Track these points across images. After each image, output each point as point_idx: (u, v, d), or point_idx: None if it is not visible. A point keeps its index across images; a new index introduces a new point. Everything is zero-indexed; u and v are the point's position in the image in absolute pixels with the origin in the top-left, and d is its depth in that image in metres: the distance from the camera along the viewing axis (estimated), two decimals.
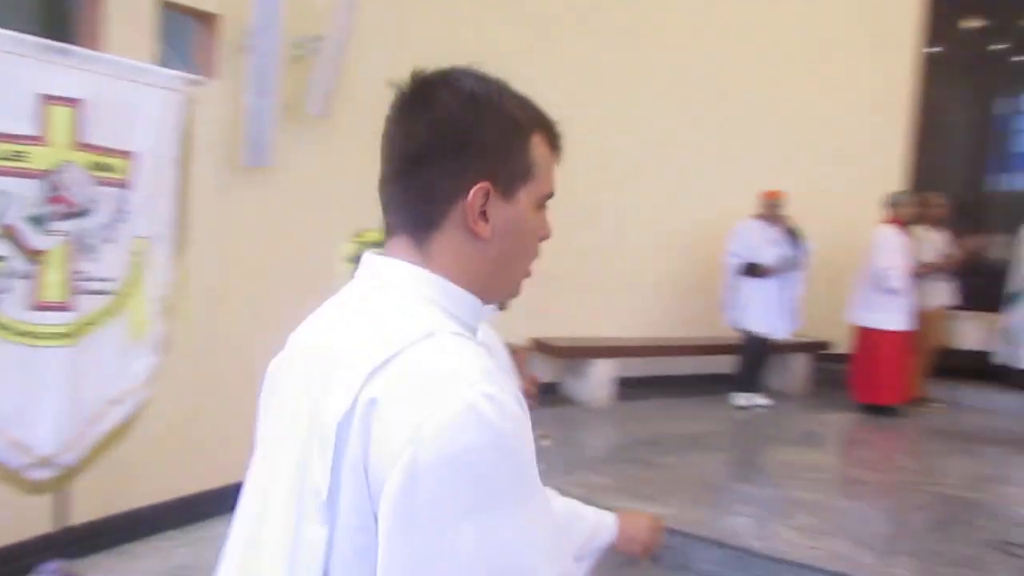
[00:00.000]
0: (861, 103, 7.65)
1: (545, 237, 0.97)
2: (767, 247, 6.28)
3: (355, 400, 0.77)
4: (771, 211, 6.30)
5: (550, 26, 6.07)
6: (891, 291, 6.23)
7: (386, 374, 0.77)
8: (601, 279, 6.53)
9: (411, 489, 0.72)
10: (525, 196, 0.92)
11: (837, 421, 6.45)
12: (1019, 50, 8.48)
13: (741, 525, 3.84)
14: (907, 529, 4.02)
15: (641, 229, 6.80)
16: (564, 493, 4.07)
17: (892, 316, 6.29)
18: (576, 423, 5.67)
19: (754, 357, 6.49)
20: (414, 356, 0.78)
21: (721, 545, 3.63)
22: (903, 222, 6.36)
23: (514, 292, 0.99)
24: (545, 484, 0.86)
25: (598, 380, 6.08)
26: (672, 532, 3.74)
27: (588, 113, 6.16)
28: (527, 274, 0.98)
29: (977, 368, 7.30)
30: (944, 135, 8.39)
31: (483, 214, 0.89)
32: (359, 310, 0.88)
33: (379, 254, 0.94)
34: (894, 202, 6.41)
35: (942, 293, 6.75)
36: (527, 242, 0.94)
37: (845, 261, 6.96)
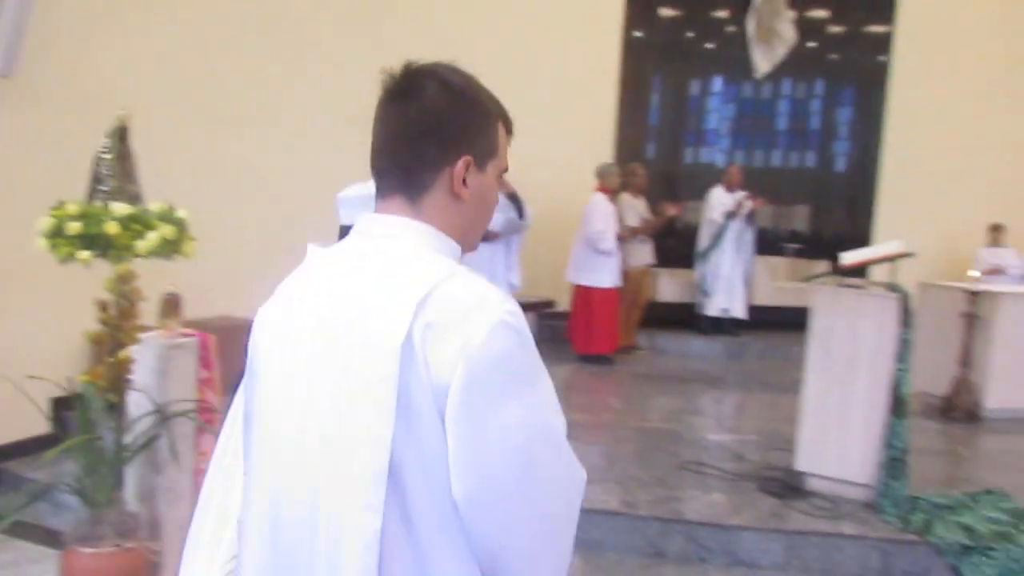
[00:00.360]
0: (577, 82, 8.28)
1: (496, 203, 1.24)
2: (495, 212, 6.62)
3: (410, 327, 1.00)
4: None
5: None
6: (603, 252, 6.90)
7: (430, 306, 1.01)
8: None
9: (468, 386, 0.99)
10: (491, 169, 1.17)
11: (560, 372, 7.04)
12: (708, 38, 9.65)
13: None
14: (615, 460, 4.55)
15: None
16: None
17: (604, 275, 6.99)
18: None
19: None
20: (448, 290, 1.03)
21: None
22: (611, 190, 7.05)
23: (475, 246, 1.23)
24: None
25: None
26: None
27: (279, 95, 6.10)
28: (484, 231, 1.25)
29: (675, 317, 8.35)
30: (646, 112, 9.35)
31: (464, 181, 1.12)
32: (373, 260, 1.10)
33: (377, 212, 1.15)
34: (602, 173, 7.08)
35: (645, 253, 7.62)
36: (490, 205, 1.21)
37: (565, 227, 7.57)
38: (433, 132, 1.11)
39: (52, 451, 2.51)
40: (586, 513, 3.77)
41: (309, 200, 6.46)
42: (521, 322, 1.05)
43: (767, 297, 8.69)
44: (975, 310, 5.91)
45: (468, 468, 1.00)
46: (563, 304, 7.74)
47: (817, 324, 4.07)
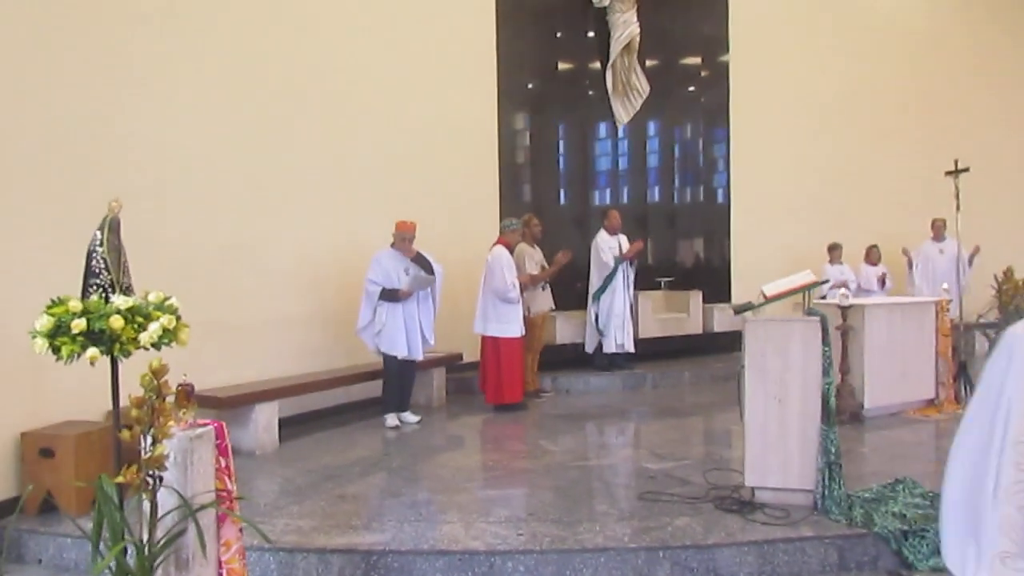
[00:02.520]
0: (466, 139, 8.57)
1: None
2: (403, 274, 6.72)
3: None
4: (404, 242, 6.73)
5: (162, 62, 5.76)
6: (509, 302, 7.14)
7: None
8: (246, 320, 6.36)
9: None
10: None
11: (477, 423, 7.15)
12: (571, 90, 10.16)
13: (453, 532, 4.14)
14: (579, 500, 4.70)
15: (281, 265, 6.75)
16: (278, 540, 4.18)
17: (511, 325, 7.22)
18: (250, 472, 5.44)
19: (395, 378, 6.82)
20: None
21: (444, 553, 3.90)
22: (511, 243, 7.35)
23: None
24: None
25: (263, 425, 5.89)
26: (396, 553, 3.91)
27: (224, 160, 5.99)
28: None
29: (573, 357, 8.71)
30: (524, 162, 9.68)
31: None
32: None
33: None
34: (505, 229, 7.39)
35: (546, 299, 7.95)
36: None
37: (461, 282, 7.74)
38: None
39: (99, 565, 2.36)
40: (577, 553, 3.93)
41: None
42: None
43: (650, 329, 9.27)
44: (848, 323, 6.66)
45: None
46: (469, 356, 7.89)
47: (751, 350, 4.47)
